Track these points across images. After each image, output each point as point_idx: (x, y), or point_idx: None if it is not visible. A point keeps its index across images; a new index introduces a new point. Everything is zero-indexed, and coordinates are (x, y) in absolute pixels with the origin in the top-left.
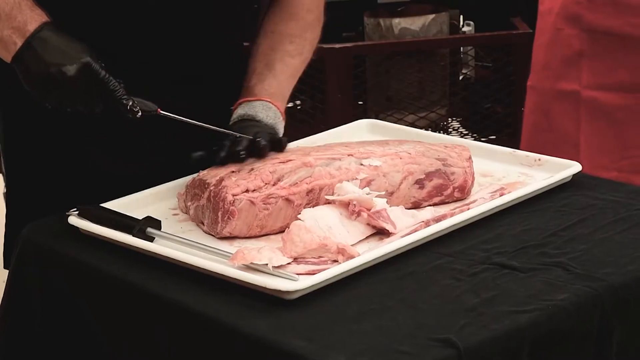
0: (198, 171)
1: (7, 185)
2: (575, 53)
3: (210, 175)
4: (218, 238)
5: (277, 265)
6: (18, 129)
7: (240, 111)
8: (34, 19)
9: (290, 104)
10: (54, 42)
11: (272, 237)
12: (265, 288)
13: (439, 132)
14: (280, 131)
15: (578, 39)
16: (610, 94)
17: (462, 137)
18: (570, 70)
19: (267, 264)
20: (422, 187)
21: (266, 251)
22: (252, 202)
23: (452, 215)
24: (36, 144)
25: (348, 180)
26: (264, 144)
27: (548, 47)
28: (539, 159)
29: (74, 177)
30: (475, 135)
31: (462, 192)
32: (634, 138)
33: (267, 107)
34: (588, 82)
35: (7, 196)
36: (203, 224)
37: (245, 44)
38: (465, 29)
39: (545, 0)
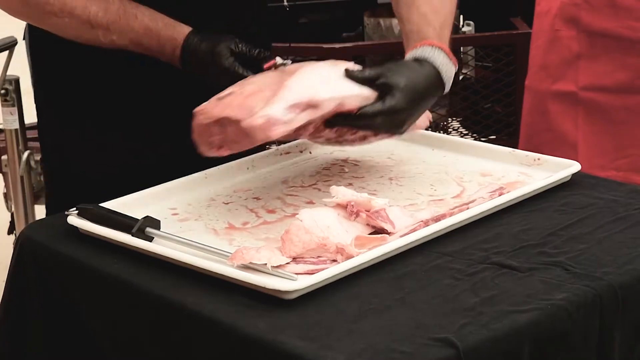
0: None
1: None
2: (572, 54)
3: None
4: (219, 235)
5: (276, 265)
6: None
7: (444, 60)
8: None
9: None
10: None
11: (272, 237)
12: (264, 288)
13: (439, 132)
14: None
15: (576, 40)
16: (608, 95)
17: (462, 137)
18: (568, 72)
19: (266, 264)
20: None
21: (265, 251)
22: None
23: (451, 214)
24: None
25: None
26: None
27: (545, 48)
28: (538, 159)
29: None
30: (475, 135)
31: None
32: (631, 137)
33: (453, 75)
34: (585, 84)
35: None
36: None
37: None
38: (465, 29)
39: (542, 1)
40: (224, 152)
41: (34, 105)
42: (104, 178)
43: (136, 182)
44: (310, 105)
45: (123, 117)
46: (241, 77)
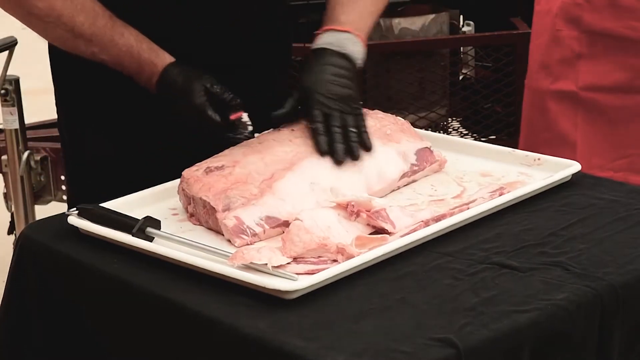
0: None
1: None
2: (573, 54)
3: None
4: (219, 235)
5: (277, 265)
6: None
7: (328, 39)
8: (158, 62)
9: None
10: (174, 89)
11: (272, 237)
12: (264, 288)
13: (439, 132)
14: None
15: (577, 40)
16: (608, 95)
17: (462, 137)
18: (568, 71)
19: (266, 264)
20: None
21: (266, 251)
22: None
23: (451, 214)
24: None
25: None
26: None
27: (546, 47)
28: (539, 159)
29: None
30: (475, 135)
31: None
32: (630, 138)
33: (355, 41)
34: (585, 83)
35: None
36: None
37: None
38: (465, 29)
39: (542, 0)
40: (194, 221)
41: (34, 106)
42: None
43: (143, 184)
44: (287, 224)
45: (131, 134)
46: (209, 118)
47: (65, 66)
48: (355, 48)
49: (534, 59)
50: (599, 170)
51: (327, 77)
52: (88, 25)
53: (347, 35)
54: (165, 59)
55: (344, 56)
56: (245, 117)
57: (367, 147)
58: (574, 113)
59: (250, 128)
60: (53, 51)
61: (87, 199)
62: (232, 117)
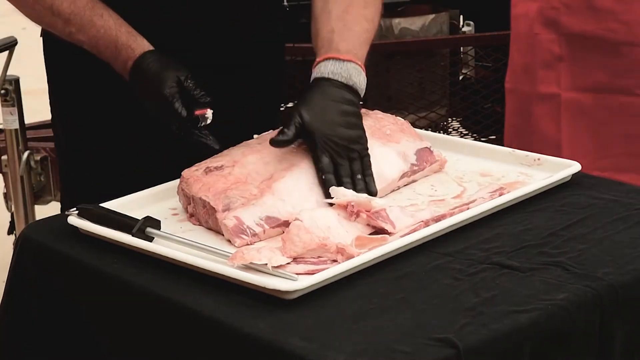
0: None
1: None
2: (553, 57)
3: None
4: (219, 235)
5: (277, 265)
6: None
7: (331, 68)
8: (136, 47)
9: (291, 104)
10: (148, 74)
11: (272, 237)
12: (264, 288)
13: (439, 132)
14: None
15: (556, 43)
16: (589, 95)
17: (462, 137)
18: (550, 74)
19: (266, 264)
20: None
21: (265, 251)
22: None
23: (451, 215)
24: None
25: None
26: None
27: (526, 51)
28: (538, 159)
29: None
30: (475, 135)
31: None
32: (613, 137)
33: (359, 72)
34: (567, 85)
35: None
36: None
37: (287, 44)
38: (465, 29)
39: (518, 4)
40: (194, 221)
41: (34, 106)
42: (107, 182)
43: (138, 183)
44: (287, 224)
45: (125, 131)
46: (174, 112)
47: (60, 64)
48: (360, 79)
49: (514, 63)
50: (585, 170)
51: (334, 117)
52: (67, 5)
53: (351, 65)
54: (144, 45)
55: (351, 88)
56: (209, 113)
57: (373, 193)
58: (557, 115)
59: (209, 121)
60: (47, 48)
61: (80, 198)
62: (197, 112)
